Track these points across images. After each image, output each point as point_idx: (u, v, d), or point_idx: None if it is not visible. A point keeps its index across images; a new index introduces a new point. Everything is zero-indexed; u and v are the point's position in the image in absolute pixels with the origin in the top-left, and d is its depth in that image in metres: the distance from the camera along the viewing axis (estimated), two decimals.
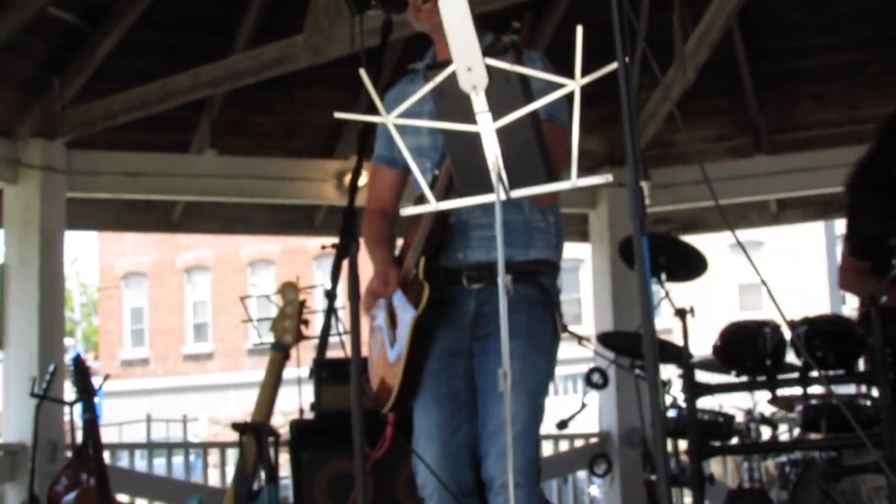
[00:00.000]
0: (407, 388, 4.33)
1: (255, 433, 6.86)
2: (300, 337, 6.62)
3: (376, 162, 4.65)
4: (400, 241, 4.56)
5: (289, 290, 6.59)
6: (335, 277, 4.19)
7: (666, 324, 10.59)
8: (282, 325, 6.50)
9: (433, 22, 4.27)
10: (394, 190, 4.60)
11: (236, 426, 6.97)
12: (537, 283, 4.28)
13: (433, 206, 3.60)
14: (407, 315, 4.30)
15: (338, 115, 4.06)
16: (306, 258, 36.65)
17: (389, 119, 3.47)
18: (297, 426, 7.40)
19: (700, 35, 8.15)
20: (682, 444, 6.86)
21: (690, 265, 7.10)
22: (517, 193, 3.45)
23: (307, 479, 7.26)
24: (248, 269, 36.91)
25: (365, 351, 4.50)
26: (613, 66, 3.18)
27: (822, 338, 6.89)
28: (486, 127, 3.30)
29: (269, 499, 6.75)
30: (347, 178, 8.93)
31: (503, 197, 3.42)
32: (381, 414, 4.53)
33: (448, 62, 3.30)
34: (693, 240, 7.96)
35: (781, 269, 30.47)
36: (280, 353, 6.59)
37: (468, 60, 3.20)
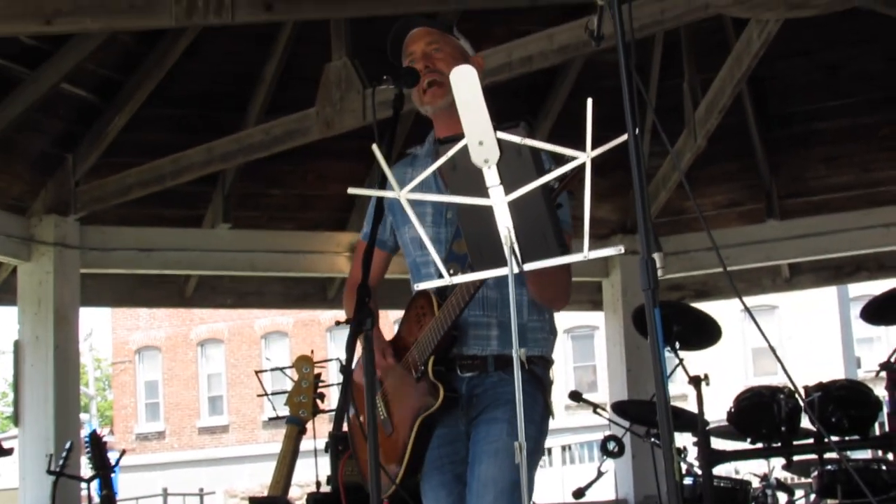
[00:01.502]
0: (411, 469, 4.34)
1: None
2: (316, 411, 6.63)
3: (363, 237, 4.57)
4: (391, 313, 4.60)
5: (304, 363, 6.58)
6: (350, 351, 4.19)
7: (680, 391, 10.61)
8: (297, 399, 6.51)
9: (436, 105, 4.37)
10: (380, 270, 4.60)
11: (253, 500, 6.99)
12: (530, 371, 4.27)
13: (447, 280, 3.61)
14: (406, 402, 4.40)
15: (351, 189, 4.07)
16: (320, 330, 36.67)
17: (402, 194, 3.48)
18: (314, 499, 7.35)
19: (710, 101, 8.18)
20: None
21: (704, 333, 7.11)
22: (530, 266, 3.46)
23: None
24: (262, 342, 36.94)
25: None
26: (623, 137, 3.20)
27: (836, 403, 6.92)
28: (499, 200, 3.32)
29: None
30: None
31: (516, 270, 3.43)
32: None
33: (460, 137, 3.32)
34: (706, 306, 7.96)
35: (795, 333, 30.45)
36: (296, 427, 6.59)
37: (479, 134, 3.21)
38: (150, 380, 40.33)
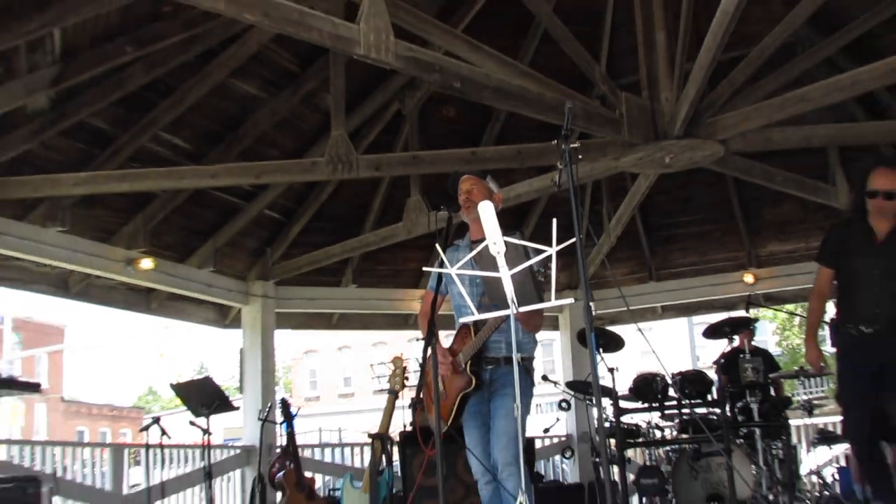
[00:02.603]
0: (454, 420, 4.37)
1: (380, 439, 6.84)
2: (403, 386, 6.60)
3: (429, 289, 4.66)
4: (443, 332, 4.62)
5: (397, 360, 6.56)
6: (424, 354, 4.26)
7: (602, 374, 10.47)
8: (394, 380, 6.47)
9: (470, 216, 4.44)
10: (437, 308, 4.46)
11: (371, 435, 6.95)
12: (523, 366, 4.27)
13: (476, 316, 3.65)
14: (456, 384, 4.37)
15: (426, 268, 4.13)
16: (404, 342, 36.64)
17: (453, 271, 3.51)
18: (403, 435, 7.33)
19: (618, 218, 8.04)
20: (613, 441, 6.78)
21: (615, 343, 7.16)
22: (522, 308, 3.46)
23: (408, 463, 7.15)
24: (373, 348, 36.80)
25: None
26: (573, 240, 3.22)
27: (688, 382, 6.93)
28: (505, 274, 3.33)
29: (388, 474, 6.72)
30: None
31: (514, 311, 3.43)
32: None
33: (483, 240, 3.34)
34: (616, 328, 7.92)
35: (665, 343, 30.45)
36: (393, 396, 6.56)
37: (494, 238, 3.25)
38: (312, 368, 40.34)
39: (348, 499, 6.89)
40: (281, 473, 7.22)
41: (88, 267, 7.38)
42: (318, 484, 7.71)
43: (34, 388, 5.11)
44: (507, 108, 6.94)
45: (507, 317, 3.59)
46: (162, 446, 7.66)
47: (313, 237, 8.81)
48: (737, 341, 7.36)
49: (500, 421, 4.23)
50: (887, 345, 4.25)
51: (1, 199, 6.32)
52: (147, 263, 7.57)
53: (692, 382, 6.91)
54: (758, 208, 9.16)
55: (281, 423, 7.51)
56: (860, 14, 6.89)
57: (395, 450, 7.20)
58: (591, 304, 3.47)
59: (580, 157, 3.37)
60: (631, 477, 7.32)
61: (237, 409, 8.02)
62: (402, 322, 10.24)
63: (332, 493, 7.68)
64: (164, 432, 7.34)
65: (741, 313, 7.63)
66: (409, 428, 7.34)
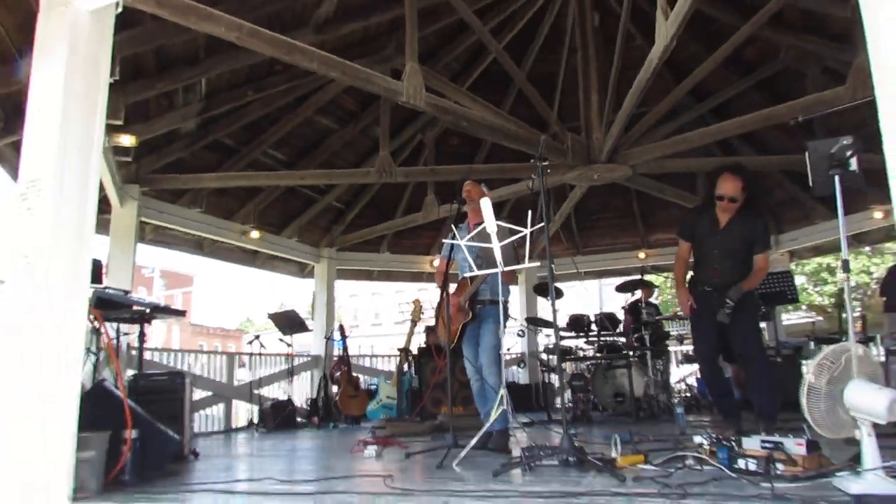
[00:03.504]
0: (458, 342, 4.25)
1: (404, 351, 6.88)
2: (420, 318, 6.60)
3: (443, 257, 4.43)
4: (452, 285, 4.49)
5: (416, 302, 6.53)
6: (441, 299, 4.17)
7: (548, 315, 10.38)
8: (415, 314, 6.44)
9: (470, 206, 4.36)
10: (449, 268, 4.30)
11: (399, 349, 6.96)
12: (501, 304, 4.23)
13: (476, 272, 3.65)
14: (459, 317, 4.26)
15: (444, 240, 4.12)
16: (415, 290, 35.95)
17: (462, 242, 3.53)
18: (420, 349, 7.21)
19: (560, 213, 7.88)
20: (554, 357, 6.74)
21: (558, 293, 7.05)
22: (507, 268, 3.49)
23: (423, 369, 6.97)
24: (396, 294, 35.95)
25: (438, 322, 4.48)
26: (541, 224, 3.25)
27: (607, 319, 6.91)
28: (496, 246, 3.37)
29: (409, 377, 6.76)
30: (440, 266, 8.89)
31: (498, 270, 3.46)
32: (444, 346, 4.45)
33: (481, 223, 3.36)
34: (557, 284, 7.88)
35: (584, 296, 30.05)
36: (412, 324, 6.55)
37: (490, 222, 3.27)
38: (354, 307, 39.58)
39: (383, 390, 6.93)
40: (338, 373, 7.24)
41: (217, 235, 7.35)
42: (361, 381, 7.70)
43: (181, 313, 5.01)
44: (494, 140, 6.86)
45: (495, 273, 3.64)
46: (260, 354, 7.71)
47: (363, 220, 8.70)
48: (639, 294, 7.43)
49: (485, 338, 4.17)
50: (719, 298, 4.12)
51: (162, 189, 6.35)
52: (255, 234, 7.54)
53: (608, 320, 6.94)
54: (651, 210, 9.09)
55: (338, 342, 7.49)
56: (721, 88, 6.90)
57: (412, 359, 7.27)
58: (552, 266, 3.52)
59: (548, 171, 3.42)
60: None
61: (311, 330, 8.03)
62: (417, 278, 10.07)
63: (370, 387, 7.67)
64: (262, 345, 7.38)
65: (636, 277, 7.65)
66: (423, 345, 7.29)
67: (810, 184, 2.79)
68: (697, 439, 3.03)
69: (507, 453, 3.74)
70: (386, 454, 4.07)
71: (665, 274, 11.09)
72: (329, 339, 7.90)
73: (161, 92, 5.20)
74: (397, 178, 6.54)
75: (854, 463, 2.41)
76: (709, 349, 4.18)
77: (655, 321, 6.91)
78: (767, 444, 2.64)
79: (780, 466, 2.55)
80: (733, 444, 2.79)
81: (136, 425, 3.04)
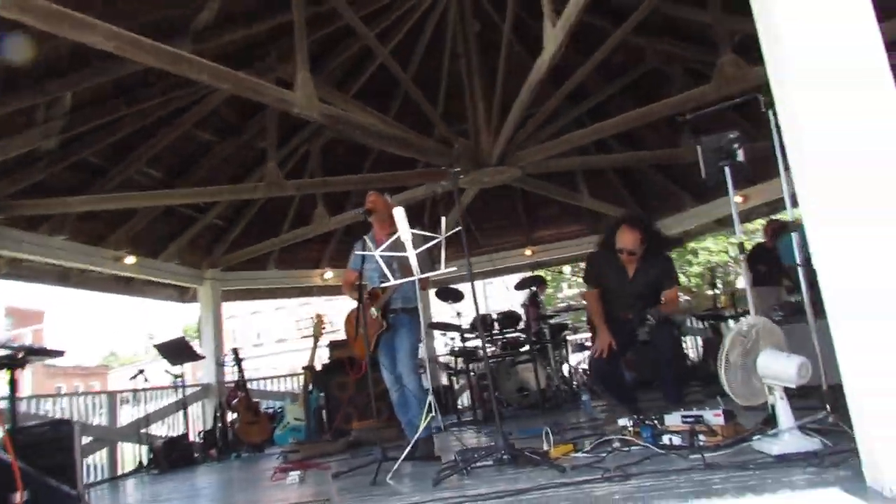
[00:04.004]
0: (374, 350, 4.18)
1: (309, 370, 6.68)
2: (322, 333, 6.45)
3: (353, 268, 4.28)
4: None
5: (318, 317, 6.39)
6: (358, 311, 4.05)
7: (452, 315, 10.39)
8: (316, 329, 6.30)
9: (377, 216, 4.27)
10: (357, 279, 4.13)
11: (304, 367, 6.74)
12: (413, 313, 4.20)
13: (392, 282, 3.61)
14: (374, 326, 4.16)
15: (356, 252, 4.04)
16: (321, 302, 33.61)
17: (377, 253, 3.49)
18: (324, 366, 7.06)
19: (452, 216, 8.02)
20: (461, 358, 6.75)
21: (458, 295, 7.07)
22: (422, 275, 3.50)
23: (328, 385, 6.81)
24: (300, 308, 32.27)
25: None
26: (457, 229, 3.29)
27: (506, 318, 7.03)
28: (412, 255, 3.36)
29: (315, 395, 6.56)
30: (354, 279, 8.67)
31: (416, 277, 3.46)
32: (358, 360, 4.37)
33: (391, 233, 3.33)
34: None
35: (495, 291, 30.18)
36: (315, 339, 6.40)
37: (405, 230, 3.26)
38: (257, 331, 36.41)
39: (290, 412, 6.68)
40: (235, 400, 6.90)
41: (85, 264, 6.72)
42: (262, 406, 7.37)
43: (59, 354, 4.49)
44: (385, 147, 6.81)
45: (405, 280, 3.63)
46: (144, 389, 7.15)
47: (247, 238, 8.31)
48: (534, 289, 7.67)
49: (402, 346, 4.15)
50: (631, 328, 4.18)
51: (19, 215, 5.72)
52: (130, 259, 7.00)
53: (509, 318, 7.05)
54: (535, 209, 9.33)
55: (233, 365, 7.11)
56: (595, 92, 7.28)
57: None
58: (471, 268, 3.55)
59: (462, 175, 3.46)
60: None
61: (203, 358, 7.57)
62: (307, 292, 9.72)
63: (271, 410, 7.35)
64: (146, 379, 6.90)
65: (527, 274, 7.86)
66: (328, 361, 7.14)
67: (703, 175, 3.06)
68: (622, 422, 3.21)
69: (436, 460, 3.74)
70: (308, 478, 3.93)
71: (555, 269, 11.48)
72: (222, 364, 7.49)
73: (15, 109, 4.68)
74: (288, 191, 6.32)
75: (765, 426, 2.67)
76: (609, 368, 4.22)
77: (555, 314, 7.21)
78: (688, 419, 2.85)
79: (702, 438, 2.76)
80: (655, 422, 2.98)
81: (26, 485, 2.72)
